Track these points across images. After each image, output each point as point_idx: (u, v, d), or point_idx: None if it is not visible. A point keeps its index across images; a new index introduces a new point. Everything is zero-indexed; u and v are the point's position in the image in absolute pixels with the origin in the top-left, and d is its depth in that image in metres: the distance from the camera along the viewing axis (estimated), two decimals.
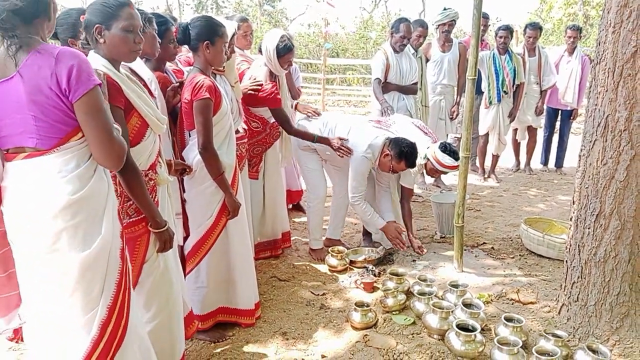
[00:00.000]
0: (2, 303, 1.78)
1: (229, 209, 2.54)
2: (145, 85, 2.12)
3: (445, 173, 3.59)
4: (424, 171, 3.56)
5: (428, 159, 3.42)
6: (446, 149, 3.39)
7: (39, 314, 1.62)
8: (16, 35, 1.49)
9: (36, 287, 1.60)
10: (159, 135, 2.09)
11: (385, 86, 4.56)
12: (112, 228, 1.62)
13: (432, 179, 5.48)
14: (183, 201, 2.63)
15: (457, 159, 3.37)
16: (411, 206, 3.80)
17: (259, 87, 3.27)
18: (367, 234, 3.96)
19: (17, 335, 2.53)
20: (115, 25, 1.81)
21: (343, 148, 3.41)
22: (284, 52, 3.23)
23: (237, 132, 2.84)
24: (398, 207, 3.75)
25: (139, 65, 2.27)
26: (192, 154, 2.50)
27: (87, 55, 1.75)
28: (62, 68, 1.47)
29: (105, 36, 1.81)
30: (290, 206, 4.59)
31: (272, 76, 3.34)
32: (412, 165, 3.32)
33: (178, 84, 2.62)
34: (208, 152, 2.42)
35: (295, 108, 4.04)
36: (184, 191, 2.62)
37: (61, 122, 1.52)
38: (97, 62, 1.80)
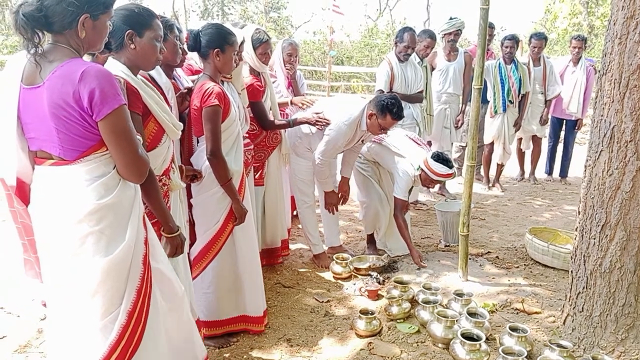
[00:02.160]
0: None
1: (236, 215, 2.55)
2: (162, 92, 2.14)
3: (440, 182, 3.57)
4: (420, 183, 3.54)
5: (422, 169, 3.42)
6: (439, 157, 3.39)
7: (59, 314, 1.65)
8: (37, 44, 1.50)
9: (58, 287, 1.62)
10: (173, 141, 2.11)
11: None
12: (136, 235, 1.64)
13: (437, 187, 5.48)
14: (190, 207, 2.65)
15: (450, 167, 3.37)
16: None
17: None
18: (371, 242, 3.96)
19: None
20: (148, 34, 1.84)
21: (320, 120, 3.41)
22: (257, 43, 3.20)
23: (244, 138, 2.85)
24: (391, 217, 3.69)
25: (158, 72, 2.29)
26: (201, 160, 2.52)
27: (105, 61, 1.77)
28: (84, 88, 1.47)
29: (137, 42, 1.83)
30: (295, 212, 4.59)
31: (255, 72, 3.33)
32: (398, 116, 3.26)
33: (186, 90, 2.64)
34: (216, 158, 2.44)
35: (291, 103, 4.06)
36: (190, 197, 2.63)
37: (83, 137, 1.54)
38: (116, 68, 1.82)
